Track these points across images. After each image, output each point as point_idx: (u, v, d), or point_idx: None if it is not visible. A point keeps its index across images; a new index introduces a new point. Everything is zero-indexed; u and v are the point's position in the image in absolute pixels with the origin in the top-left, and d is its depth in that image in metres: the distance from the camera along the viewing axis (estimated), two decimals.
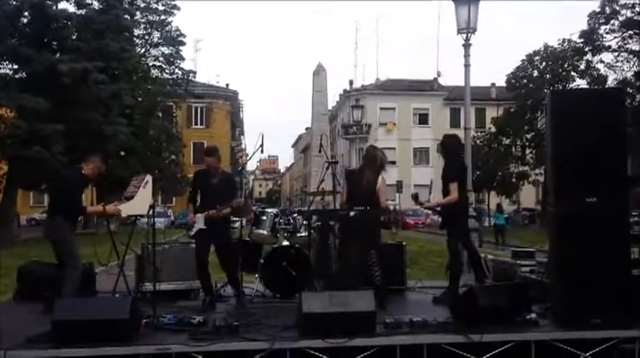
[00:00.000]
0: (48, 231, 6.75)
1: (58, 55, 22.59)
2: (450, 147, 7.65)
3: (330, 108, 40.15)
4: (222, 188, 7.01)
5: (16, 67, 23.36)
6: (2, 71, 23.58)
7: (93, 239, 7.11)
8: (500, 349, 5.25)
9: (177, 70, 40.63)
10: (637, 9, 32.40)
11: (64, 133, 20.53)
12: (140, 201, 6.70)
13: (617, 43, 33.71)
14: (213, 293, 7.19)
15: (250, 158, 9.61)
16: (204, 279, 7.12)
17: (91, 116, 22.21)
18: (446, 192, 7.23)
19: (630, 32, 32.90)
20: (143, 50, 38.87)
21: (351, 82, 60.92)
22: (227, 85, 61.72)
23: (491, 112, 47.81)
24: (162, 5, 38.51)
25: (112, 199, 7.38)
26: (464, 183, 7.46)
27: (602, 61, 34.92)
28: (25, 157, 20.13)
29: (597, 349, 5.33)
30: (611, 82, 33.58)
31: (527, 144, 37.70)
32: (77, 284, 6.46)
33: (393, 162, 55.04)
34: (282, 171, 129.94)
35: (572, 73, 35.93)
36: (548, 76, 36.40)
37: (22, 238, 24.26)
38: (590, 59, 35.14)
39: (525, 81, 37.47)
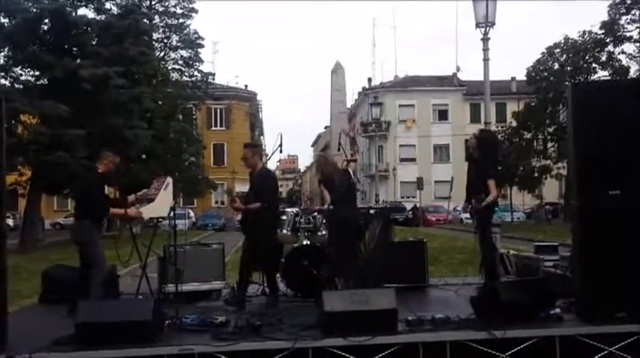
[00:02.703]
0: (75, 234, 6.82)
1: (78, 60, 22.83)
2: (488, 142, 7.65)
3: (348, 106, 40.13)
4: (257, 184, 7.19)
5: (37, 73, 23.66)
6: (24, 78, 23.91)
7: (116, 241, 7.17)
8: (524, 345, 5.21)
9: (196, 73, 41.00)
10: None
11: (87, 138, 20.74)
12: (161, 203, 6.75)
13: (639, 33, 33.22)
14: (245, 291, 7.26)
15: (269, 158, 9.70)
16: (243, 274, 7.23)
17: (113, 120, 22.41)
18: (481, 188, 7.20)
19: None
20: (162, 54, 39.20)
21: (369, 80, 60.89)
22: (246, 85, 62.10)
23: (511, 106, 47.44)
24: (181, 9, 38.87)
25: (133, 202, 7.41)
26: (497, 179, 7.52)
27: (623, 52, 34.40)
28: (48, 162, 20.37)
29: (623, 343, 5.26)
30: (633, 72, 33.06)
31: (549, 137, 37.32)
32: (102, 285, 6.52)
33: (413, 159, 54.99)
34: (302, 170, 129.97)
35: (594, 64, 35.45)
36: (569, 68, 35.98)
37: (47, 242, 24.59)
38: (611, 50, 34.63)
39: (546, 74, 37.08)
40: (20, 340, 5.19)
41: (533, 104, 38.28)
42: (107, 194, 6.88)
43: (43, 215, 28.54)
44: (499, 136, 35.75)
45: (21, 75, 23.87)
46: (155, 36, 36.57)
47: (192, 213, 43.26)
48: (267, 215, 7.17)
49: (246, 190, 7.82)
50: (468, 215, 7.59)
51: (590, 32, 35.29)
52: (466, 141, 8.28)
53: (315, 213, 8.36)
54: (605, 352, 5.25)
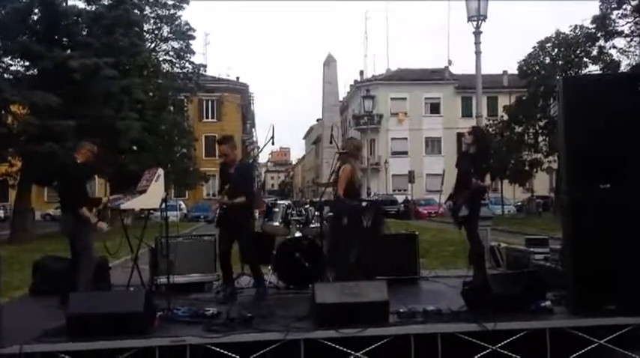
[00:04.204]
0: (63, 226, 6.79)
1: (68, 51, 22.67)
2: (481, 137, 7.75)
3: (340, 99, 40.06)
4: (237, 178, 7.07)
5: (27, 64, 23.48)
6: (14, 68, 23.73)
7: (107, 233, 7.13)
8: (514, 337, 5.23)
9: (187, 64, 40.73)
10: None
11: (77, 129, 20.63)
12: (152, 194, 6.73)
13: (630, 27, 33.31)
14: (234, 285, 7.23)
15: (261, 150, 9.62)
16: (225, 269, 7.18)
17: (103, 111, 22.30)
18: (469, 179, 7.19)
19: None
20: (153, 45, 38.93)
21: (361, 73, 60.97)
22: (237, 78, 61.96)
23: (503, 100, 47.52)
24: None
25: (125, 194, 7.39)
26: None
27: (614, 47, 34.54)
28: (38, 153, 20.24)
29: (613, 335, 5.30)
30: (624, 67, 33.22)
31: (539, 131, 37.45)
32: (91, 276, 6.50)
33: (405, 153, 55.09)
34: (293, 162, 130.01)
35: (585, 59, 35.59)
36: (560, 62, 36.12)
37: (37, 233, 24.47)
38: (602, 45, 34.76)
39: (537, 68, 37.21)
40: (11, 331, 5.16)
41: (524, 98, 38.41)
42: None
43: (33, 206, 28.40)
44: (490, 130, 35.95)
45: (11, 65, 23.70)
46: (146, 27, 36.27)
47: (183, 205, 43.17)
48: (248, 208, 7.17)
49: None
50: (449, 211, 7.56)
51: (581, 26, 35.46)
52: (458, 134, 8.39)
53: (307, 206, 8.36)
54: (595, 344, 5.29)
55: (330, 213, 7.95)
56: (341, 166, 7.29)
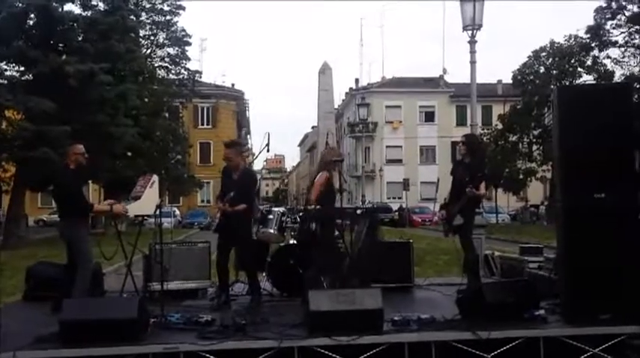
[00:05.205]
0: (63, 232, 6.76)
1: (64, 56, 22.64)
2: (476, 145, 7.78)
3: (336, 106, 40.02)
4: (241, 184, 7.05)
5: (22, 69, 23.44)
6: (9, 73, 23.64)
7: (100, 238, 7.11)
8: (508, 346, 5.24)
9: (183, 71, 40.68)
10: None
11: (72, 134, 20.57)
12: (147, 201, 6.71)
13: (624, 38, 33.46)
14: (228, 292, 7.21)
15: (256, 157, 9.52)
16: (223, 276, 7.16)
17: (98, 117, 22.27)
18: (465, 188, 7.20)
19: (637, 27, 32.57)
20: (149, 51, 38.91)
21: (356, 80, 61.03)
22: (233, 84, 61.90)
23: (497, 109, 47.67)
24: (168, 6, 38.56)
25: (119, 199, 7.37)
26: None
27: (608, 57, 34.74)
28: (32, 159, 20.18)
29: (606, 345, 5.31)
30: (618, 77, 33.39)
31: (534, 140, 37.61)
32: (88, 284, 6.48)
33: (400, 161, 55.18)
34: (288, 170, 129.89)
35: (579, 68, 35.80)
36: (554, 72, 36.30)
37: (31, 239, 24.36)
38: (596, 55, 34.97)
39: (532, 77, 37.38)
40: (4, 337, 5.14)
41: (518, 107, 38.55)
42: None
43: (27, 212, 28.27)
44: (485, 139, 36.08)
45: (6, 70, 23.64)
46: (142, 33, 36.30)
47: (177, 212, 43.09)
48: (249, 215, 7.16)
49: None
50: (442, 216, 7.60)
51: (575, 36, 35.69)
52: (453, 143, 8.43)
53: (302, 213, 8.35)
54: (589, 353, 5.29)
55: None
56: (319, 172, 7.33)
